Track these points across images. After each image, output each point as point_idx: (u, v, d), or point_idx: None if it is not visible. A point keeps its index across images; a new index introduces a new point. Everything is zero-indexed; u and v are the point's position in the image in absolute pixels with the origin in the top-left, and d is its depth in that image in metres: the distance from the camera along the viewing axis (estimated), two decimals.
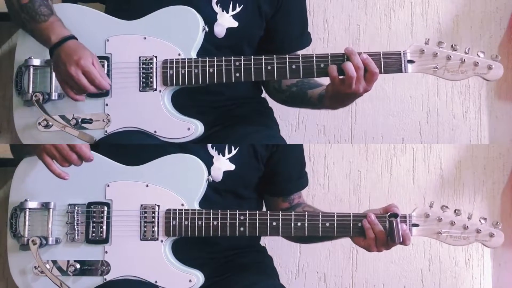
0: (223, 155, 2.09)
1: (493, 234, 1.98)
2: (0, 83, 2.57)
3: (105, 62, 2.06)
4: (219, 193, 2.09)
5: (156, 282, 2.00)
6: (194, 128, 2.05)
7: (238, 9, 2.13)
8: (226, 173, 2.09)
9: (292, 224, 1.98)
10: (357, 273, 2.74)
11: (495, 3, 2.76)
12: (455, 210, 1.98)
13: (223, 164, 2.09)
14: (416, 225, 1.99)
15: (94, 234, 2.03)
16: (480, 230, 1.97)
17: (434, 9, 2.77)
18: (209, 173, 2.06)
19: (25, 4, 2.03)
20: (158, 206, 2.01)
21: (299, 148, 2.24)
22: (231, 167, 2.09)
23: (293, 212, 2.01)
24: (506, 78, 2.74)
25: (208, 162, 2.07)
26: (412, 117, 2.77)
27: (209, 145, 2.09)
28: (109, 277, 2.01)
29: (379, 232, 1.96)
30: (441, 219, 1.98)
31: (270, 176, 2.16)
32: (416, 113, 2.77)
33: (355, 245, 2.66)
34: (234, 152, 2.10)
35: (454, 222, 1.97)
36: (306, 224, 1.98)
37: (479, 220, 1.98)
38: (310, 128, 2.77)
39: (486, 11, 2.77)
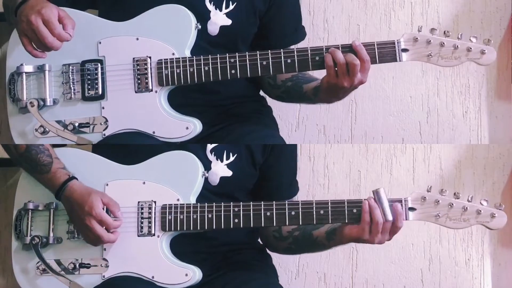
0: (221, 161, 2.09)
1: (494, 214, 1.93)
2: (0, 83, 2.58)
3: (99, 65, 2.06)
4: (216, 195, 2.09)
5: (153, 277, 2.01)
6: (193, 127, 2.05)
7: (231, 7, 2.14)
8: (223, 179, 2.09)
9: (286, 213, 1.98)
10: (357, 273, 2.74)
11: (495, 3, 2.76)
12: (454, 193, 1.95)
13: (220, 169, 2.09)
14: (413, 209, 1.96)
15: None
16: (480, 211, 1.93)
17: (434, 9, 2.76)
18: (207, 178, 2.07)
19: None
20: (155, 202, 2.02)
21: (291, 156, 2.23)
22: (229, 173, 2.09)
23: (287, 201, 2.00)
24: (506, 78, 2.73)
25: (206, 166, 2.07)
26: (412, 117, 2.77)
27: (207, 150, 2.09)
28: (107, 274, 2.02)
29: (376, 215, 1.94)
30: (438, 201, 1.95)
31: (261, 181, 2.16)
32: (416, 113, 2.77)
33: (355, 245, 2.72)
34: (232, 158, 2.10)
35: (453, 204, 1.94)
36: (300, 213, 1.98)
37: (480, 202, 1.94)
38: (310, 128, 2.77)
39: (486, 11, 2.76)
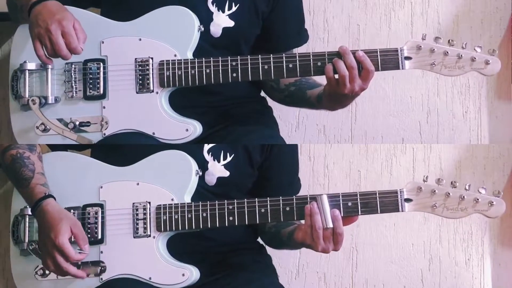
0: (218, 161, 2.09)
1: (492, 202, 1.91)
2: (1, 83, 2.58)
3: (101, 64, 2.06)
4: (213, 195, 2.09)
5: (150, 278, 2.00)
6: (193, 129, 2.05)
7: (234, 9, 2.13)
8: (220, 179, 2.09)
9: (281, 209, 1.98)
10: (357, 273, 2.74)
11: (495, 3, 2.76)
12: (451, 182, 1.93)
13: (217, 170, 2.09)
14: (409, 200, 1.95)
15: (89, 236, 2.02)
16: (478, 199, 1.91)
17: (434, 9, 2.77)
18: (203, 178, 2.07)
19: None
20: (149, 203, 2.02)
21: (292, 155, 2.23)
22: (226, 173, 2.09)
23: (281, 197, 1.99)
24: (506, 78, 2.74)
25: (203, 167, 2.07)
26: (412, 117, 2.77)
27: (204, 150, 2.09)
28: (105, 277, 2.01)
29: (316, 220, 1.93)
30: (435, 191, 1.93)
31: (261, 181, 2.16)
32: (416, 113, 2.77)
33: (355, 245, 2.72)
34: (229, 159, 2.10)
35: (449, 194, 1.92)
36: (294, 208, 1.97)
37: (478, 190, 1.92)
38: (310, 128, 2.77)
39: (486, 11, 2.76)
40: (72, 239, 1.95)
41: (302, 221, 1.99)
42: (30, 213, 2.06)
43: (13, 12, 2.12)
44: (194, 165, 2.04)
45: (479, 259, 2.75)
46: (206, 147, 2.09)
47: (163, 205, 2.01)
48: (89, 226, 2.03)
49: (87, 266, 2.00)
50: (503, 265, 2.76)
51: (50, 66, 2.07)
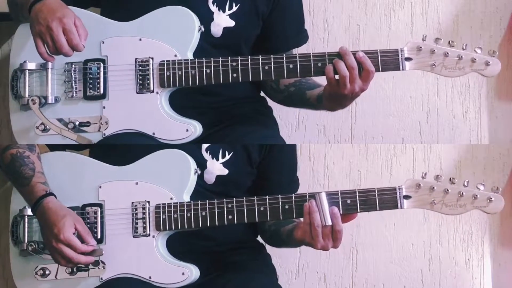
0: (217, 159, 2.09)
1: (491, 198, 1.91)
2: (1, 83, 2.58)
3: (101, 64, 2.06)
4: (213, 194, 2.09)
5: (150, 277, 2.00)
6: (193, 129, 2.05)
7: (234, 8, 2.14)
8: (219, 177, 2.09)
9: (280, 207, 1.98)
10: (357, 273, 2.74)
11: (495, 3, 2.76)
12: (450, 179, 1.93)
13: (216, 168, 2.09)
14: (408, 197, 1.95)
15: None
16: (476, 195, 1.91)
17: (434, 9, 2.77)
18: (203, 177, 2.07)
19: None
20: (148, 202, 2.02)
21: (290, 154, 2.23)
22: (224, 171, 2.09)
23: (280, 195, 1.99)
24: (506, 78, 2.74)
25: (201, 165, 2.07)
26: (412, 117, 2.77)
27: (203, 149, 2.09)
28: (105, 276, 2.02)
29: (315, 218, 1.93)
30: (433, 188, 1.93)
31: (260, 180, 2.16)
32: (416, 113, 2.77)
33: (355, 245, 2.72)
34: (228, 157, 2.10)
35: (448, 190, 1.92)
36: (294, 206, 1.97)
37: (476, 187, 1.92)
38: (310, 128, 2.77)
39: (486, 11, 2.77)
40: (75, 235, 1.96)
41: (302, 219, 1.99)
42: (29, 213, 2.06)
43: (14, 11, 2.12)
44: (192, 164, 2.03)
45: (479, 259, 2.75)
46: (204, 145, 2.09)
47: (162, 204, 2.01)
48: (88, 226, 2.02)
49: (91, 253, 1.99)
50: (503, 265, 2.76)
51: (50, 65, 2.07)
